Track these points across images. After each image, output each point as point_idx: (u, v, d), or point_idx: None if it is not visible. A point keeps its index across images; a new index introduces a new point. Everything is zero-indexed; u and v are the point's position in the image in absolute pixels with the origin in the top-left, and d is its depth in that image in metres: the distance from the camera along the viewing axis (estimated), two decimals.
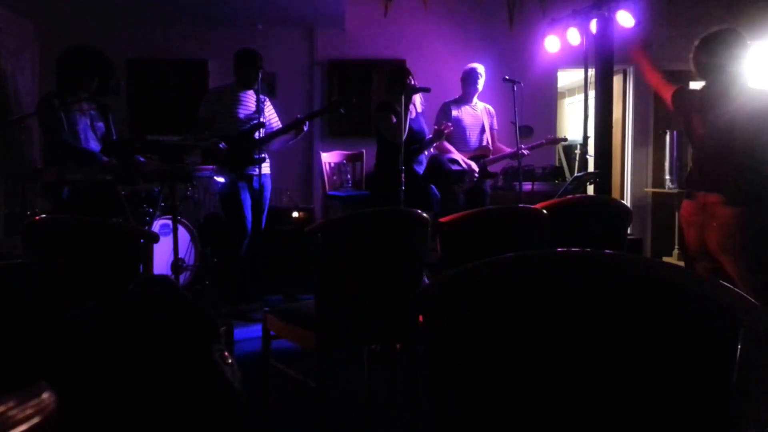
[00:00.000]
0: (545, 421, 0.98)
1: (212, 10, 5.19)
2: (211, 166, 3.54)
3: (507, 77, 4.14)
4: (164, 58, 5.54)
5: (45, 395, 0.83)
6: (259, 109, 3.90)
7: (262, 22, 5.50)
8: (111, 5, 4.94)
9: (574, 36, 4.89)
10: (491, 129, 4.52)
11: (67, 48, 3.31)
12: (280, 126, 4.09)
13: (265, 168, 3.97)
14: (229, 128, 3.88)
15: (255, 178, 3.91)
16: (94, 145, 3.33)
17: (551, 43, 5.12)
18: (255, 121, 3.89)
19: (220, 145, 3.73)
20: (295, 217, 4.92)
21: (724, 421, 0.91)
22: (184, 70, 5.54)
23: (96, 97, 3.35)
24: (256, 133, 3.82)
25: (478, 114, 4.45)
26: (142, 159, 3.34)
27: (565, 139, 5.10)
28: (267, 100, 4.12)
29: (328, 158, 5.14)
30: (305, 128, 3.92)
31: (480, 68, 4.40)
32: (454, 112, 4.37)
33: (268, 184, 4.05)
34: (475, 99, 4.46)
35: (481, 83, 4.40)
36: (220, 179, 3.86)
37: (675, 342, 0.94)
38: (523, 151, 4.21)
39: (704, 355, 0.92)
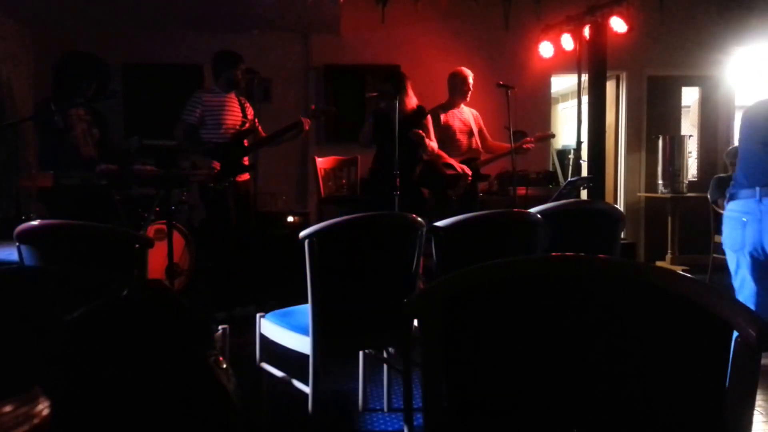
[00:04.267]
0: (541, 426, 0.98)
1: (208, 16, 5.20)
2: (205, 171, 3.54)
3: (501, 82, 4.16)
4: (160, 62, 5.53)
5: (39, 400, 0.83)
6: (246, 114, 3.89)
7: (257, 28, 5.50)
8: (107, 10, 4.94)
9: (567, 41, 4.93)
10: (480, 131, 4.53)
11: (63, 53, 3.31)
12: (259, 128, 4.08)
13: (245, 174, 3.97)
14: (216, 135, 3.85)
15: (240, 184, 3.91)
16: (91, 150, 3.32)
17: (545, 49, 5.16)
18: (243, 128, 3.89)
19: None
20: (290, 222, 4.91)
21: (716, 427, 0.92)
22: (180, 75, 5.54)
23: (92, 103, 3.34)
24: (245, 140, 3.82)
25: (465, 118, 4.45)
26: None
27: (554, 135, 5.14)
28: (247, 102, 4.07)
29: (323, 163, 5.15)
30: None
31: (466, 72, 4.39)
32: (443, 117, 4.37)
33: (251, 188, 4.05)
34: (462, 103, 4.46)
35: (469, 87, 4.39)
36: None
37: (668, 346, 0.94)
38: (528, 144, 4.27)
39: (697, 360, 0.93)
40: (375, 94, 3.89)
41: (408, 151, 3.79)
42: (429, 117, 4.02)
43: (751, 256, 2.48)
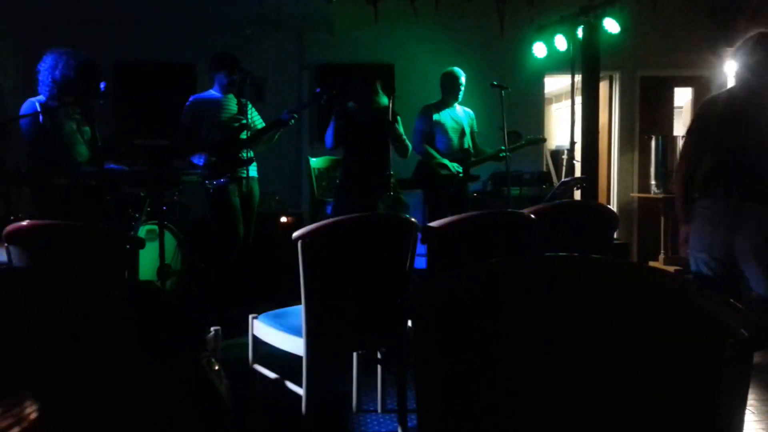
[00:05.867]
0: (535, 427, 0.98)
1: (200, 14, 5.17)
2: (199, 171, 3.52)
3: (495, 83, 4.16)
4: (152, 61, 5.51)
5: (27, 404, 0.82)
6: (242, 111, 3.88)
7: (250, 26, 5.49)
8: (98, 8, 4.91)
9: (561, 42, 4.95)
10: (472, 132, 4.53)
11: (50, 51, 3.27)
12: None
13: (252, 171, 3.95)
14: (213, 135, 3.84)
15: (243, 181, 3.89)
16: (81, 149, 3.29)
17: (538, 49, 5.17)
18: (239, 123, 3.87)
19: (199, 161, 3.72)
20: (283, 222, 4.89)
21: (708, 425, 0.91)
22: (172, 74, 5.51)
23: (82, 102, 3.31)
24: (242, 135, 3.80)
25: (458, 117, 4.46)
26: (116, 167, 3.29)
27: (545, 139, 5.14)
28: (249, 103, 4.06)
29: (317, 163, 5.14)
30: (291, 122, 3.88)
31: (458, 72, 4.40)
32: (435, 116, 4.38)
33: (255, 188, 4.03)
34: (455, 103, 4.46)
35: (461, 87, 4.39)
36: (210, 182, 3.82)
37: (661, 346, 0.94)
38: (505, 152, 4.23)
39: (690, 359, 0.93)
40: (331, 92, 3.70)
41: (378, 151, 3.73)
42: (399, 118, 3.92)
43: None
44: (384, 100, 3.78)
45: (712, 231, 2.43)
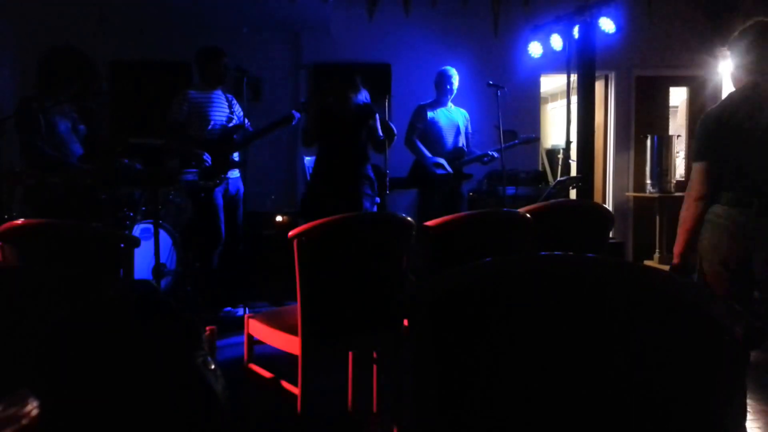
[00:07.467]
0: (532, 427, 0.98)
1: (197, 13, 5.16)
2: (193, 170, 3.51)
3: (491, 82, 4.17)
4: (148, 60, 5.49)
5: (28, 401, 0.81)
6: (233, 110, 3.87)
7: (247, 26, 5.48)
8: (93, 6, 4.88)
9: (556, 41, 4.95)
10: (466, 133, 4.53)
11: (47, 49, 3.26)
12: (248, 124, 4.04)
13: (236, 172, 3.94)
14: (203, 132, 3.82)
15: (230, 181, 3.88)
16: (77, 148, 3.28)
17: (534, 49, 5.18)
18: (231, 124, 3.86)
19: (205, 157, 3.68)
20: (279, 221, 4.89)
21: (705, 425, 0.92)
22: (168, 73, 5.49)
23: (77, 100, 3.30)
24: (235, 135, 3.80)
25: (452, 116, 4.46)
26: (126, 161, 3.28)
27: (537, 138, 5.15)
28: (234, 99, 4.04)
29: (312, 162, 5.13)
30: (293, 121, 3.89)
31: (451, 70, 4.40)
32: (429, 114, 4.38)
33: (241, 188, 4.02)
34: (449, 102, 4.47)
35: (454, 86, 4.40)
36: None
37: (658, 346, 0.94)
38: (493, 153, 4.25)
39: (685, 358, 0.93)
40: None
41: (354, 148, 3.71)
42: (377, 116, 3.81)
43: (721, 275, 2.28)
44: (363, 96, 3.73)
45: (729, 241, 2.27)
